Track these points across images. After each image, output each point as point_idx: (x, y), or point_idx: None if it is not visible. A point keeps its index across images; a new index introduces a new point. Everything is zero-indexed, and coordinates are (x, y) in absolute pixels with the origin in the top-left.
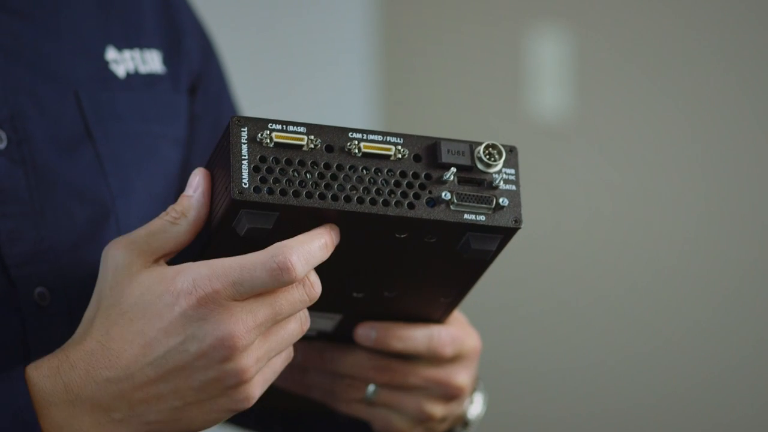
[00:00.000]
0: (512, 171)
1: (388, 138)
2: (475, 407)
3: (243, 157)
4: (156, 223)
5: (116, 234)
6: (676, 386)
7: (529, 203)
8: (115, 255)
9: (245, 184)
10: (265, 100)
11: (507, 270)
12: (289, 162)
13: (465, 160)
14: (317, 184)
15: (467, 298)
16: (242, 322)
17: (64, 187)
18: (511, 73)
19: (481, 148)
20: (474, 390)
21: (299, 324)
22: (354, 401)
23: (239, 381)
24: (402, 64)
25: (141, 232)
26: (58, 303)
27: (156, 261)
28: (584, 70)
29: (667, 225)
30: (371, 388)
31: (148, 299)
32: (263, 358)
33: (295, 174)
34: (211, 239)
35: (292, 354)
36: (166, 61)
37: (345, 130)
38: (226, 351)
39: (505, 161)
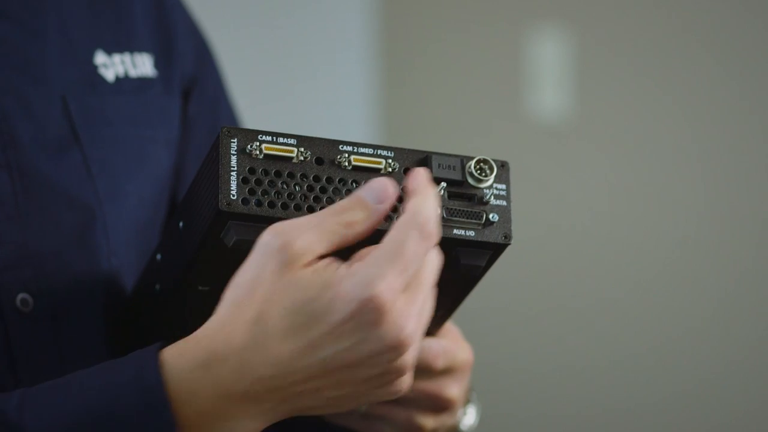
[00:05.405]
0: (503, 186)
1: (379, 151)
2: (468, 419)
3: (232, 168)
4: (327, 221)
5: (104, 239)
6: (676, 387)
7: (529, 204)
8: (277, 245)
9: (233, 195)
10: (263, 101)
11: (506, 271)
12: (278, 174)
13: (456, 175)
14: (306, 197)
15: (465, 301)
16: (412, 319)
17: (50, 192)
18: (512, 73)
19: (473, 162)
20: (467, 402)
21: (432, 301)
22: (346, 413)
23: (400, 374)
24: (402, 64)
25: (307, 224)
26: (41, 309)
27: (317, 259)
28: (584, 70)
29: (667, 225)
30: None
31: (315, 307)
32: (418, 347)
33: (284, 186)
34: (199, 249)
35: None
36: (158, 64)
37: (335, 143)
38: (398, 351)
39: (496, 176)
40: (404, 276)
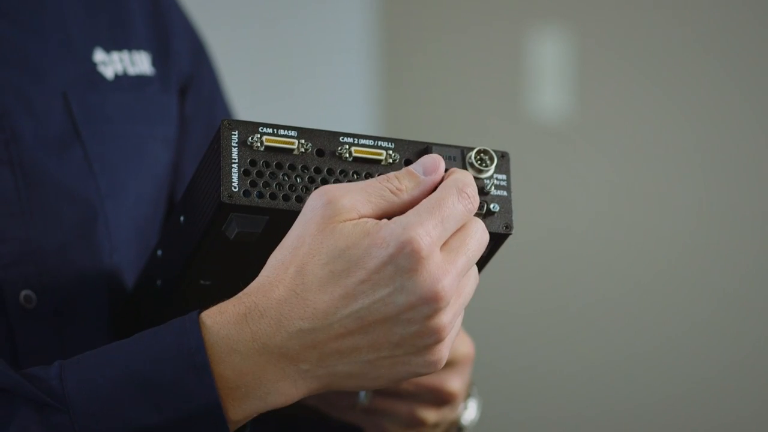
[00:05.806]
0: (504, 177)
1: (380, 142)
2: (469, 413)
3: (233, 161)
4: (374, 185)
5: (105, 235)
6: (676, 387)
7: (530, 204)
8: (322, 201)
9: (235, 187)
10: (264, 100)
11: (507, 271)
12: (279, 166)
13: (456, 165)
14: (308, 188)
15: None
16: (449, 276)
17: (53, 188)
18: (512, 73)
19: (473, 153)
20: (468, 396)
21: (475, 280)
22: (347, 407)
23: (436, 339)
24: (402, 64)
25: (355, 186)
26: (44, 306)
27: (360, 217)
28: (585, 70)
29: (667, 225)
30: (362, 393)
31: (353, 253)
32: (456, 314)
33: (286, 178)
34: (201, 242)
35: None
36: (155, 62)
37: (336, 134)
38: (434, 305)
39: (496, 167)
40: (442, 227)
